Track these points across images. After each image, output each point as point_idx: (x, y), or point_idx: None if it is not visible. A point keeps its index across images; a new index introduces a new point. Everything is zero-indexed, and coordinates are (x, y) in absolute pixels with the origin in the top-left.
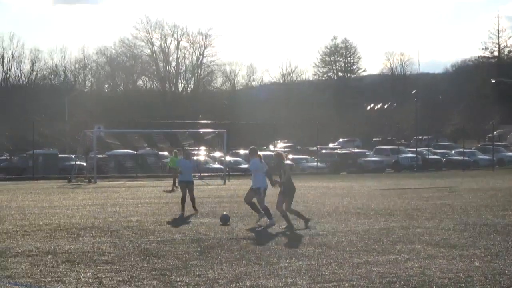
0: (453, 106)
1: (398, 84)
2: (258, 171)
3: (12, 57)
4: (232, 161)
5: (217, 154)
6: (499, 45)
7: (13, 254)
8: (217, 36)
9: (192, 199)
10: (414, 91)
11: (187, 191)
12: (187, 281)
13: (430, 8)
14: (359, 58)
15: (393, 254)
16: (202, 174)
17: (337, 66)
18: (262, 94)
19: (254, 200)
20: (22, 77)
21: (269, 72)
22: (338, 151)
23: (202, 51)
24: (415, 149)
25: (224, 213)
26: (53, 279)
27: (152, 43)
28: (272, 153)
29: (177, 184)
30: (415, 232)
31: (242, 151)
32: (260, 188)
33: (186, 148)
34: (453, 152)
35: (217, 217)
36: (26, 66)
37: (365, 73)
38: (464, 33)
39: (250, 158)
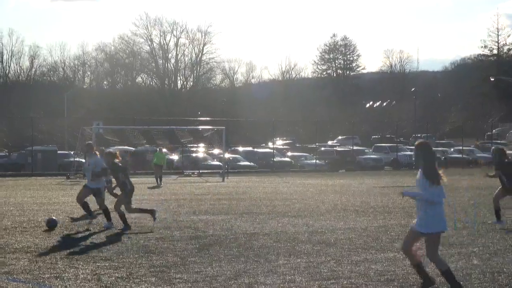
0: (452, 104)
1: (397, 82)
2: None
3: (11, 54)
4: (231, 158)
5: (216, 151)
6: (498, 43)
7: (11, 250)
8: (217, 33)
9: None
10: (413, 89)
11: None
12: (185, 278)
13: (429, 5)
14: (358, 55)
15: (391, 251)
16: (200, 171)
17: (337, 64)
18: (261, 91)
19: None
20: (22, 73)
21: (268, 69)
22: (337, 148)
23: (201, 48)
24: (413, 147)
25: (53, 217)
26: (52, 275)
27: (151, 40)
28: (272, 150)
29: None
30: None
31: (241, 148)
32: (100, 188)
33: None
34: (451, 150)
35: (216, 214)
36: (25, 63)
37: (364, 71)
38: (463, 31)
39: (89, 156)
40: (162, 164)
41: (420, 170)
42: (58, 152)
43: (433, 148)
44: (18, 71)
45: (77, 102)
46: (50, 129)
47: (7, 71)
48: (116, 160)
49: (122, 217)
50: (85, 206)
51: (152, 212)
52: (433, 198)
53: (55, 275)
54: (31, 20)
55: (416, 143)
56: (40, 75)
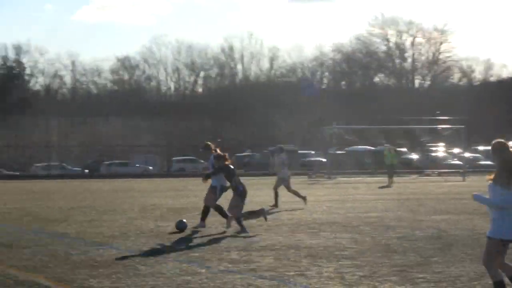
0: None
1: None
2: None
3: (251, 56)
4: (471, 157)
5: (456, 150)
6: None
7: (257, 248)
8: (453, 31)
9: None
10: None
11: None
12: (428, 277)
13: None
14: None
15: None
16: (440, 170)
17: None
18: (500, 89)
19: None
20: (261, 75)
21: (507, 67)
22: None
23: (438, 47)
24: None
25: (184, 220)
26: (296, 273)
27: (387, 40)
28: None
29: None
30: None
31: (481, 148)
32: (216, 186)
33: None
34: None
35: (457, 214)
36: (265, 64)
37: None
38: None
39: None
40: (392, 164)
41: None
42: (299, 151)
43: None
44: (258, 72)
45: (316, 102)
46: (290, 129)
47: (248, 73)
48: (227, 163)
49: (238, 220)
50: (218, 209)
51: (259, 213)
52: (505, 203)
53: (299, 272)
54: (270, 22)
55: (493, 142)
56: (279, 76)
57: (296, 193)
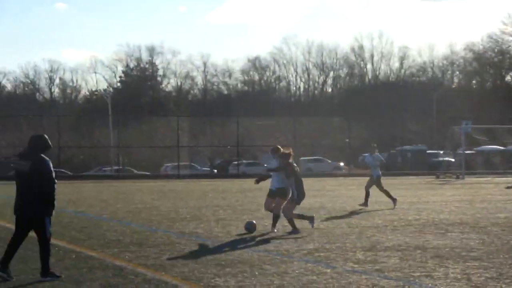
0: None
1: None
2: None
3: (381, 55)
4: None
5: None
6: None
7: (382, 248)
8: None
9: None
10: None
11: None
12: None
13: None
14: None
15: None
16: None
17: None
18: None
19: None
20: (391, 74)
21: None
22: None
23: None
24: None
25: (253, 221)
26: (422, 274)
27: None
28: None
29: None
30: None
31: None
32: (285, 188)
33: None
34: None
35: None
36: (395, 64)
37: None
38: None
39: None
40: None
41: None
42: (428, 151)
43: None
44: (388, 72)
45: (446, 102)
46: (419, 129)
47: (377, 72)
48: (291, 160)
49: (291, 221)
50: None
51: (310, 219)
52: None
53: (425, 273)
54: (400, 21)
55: None
56: (409, 75)
57: (387, 194)
